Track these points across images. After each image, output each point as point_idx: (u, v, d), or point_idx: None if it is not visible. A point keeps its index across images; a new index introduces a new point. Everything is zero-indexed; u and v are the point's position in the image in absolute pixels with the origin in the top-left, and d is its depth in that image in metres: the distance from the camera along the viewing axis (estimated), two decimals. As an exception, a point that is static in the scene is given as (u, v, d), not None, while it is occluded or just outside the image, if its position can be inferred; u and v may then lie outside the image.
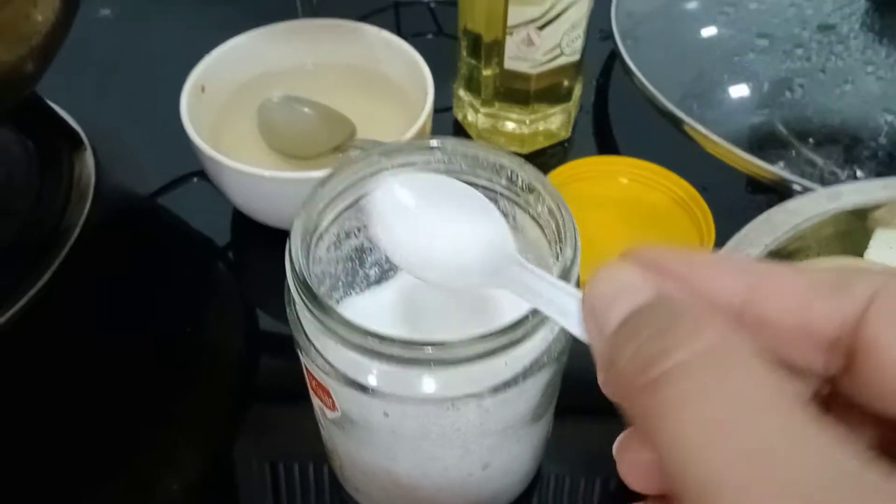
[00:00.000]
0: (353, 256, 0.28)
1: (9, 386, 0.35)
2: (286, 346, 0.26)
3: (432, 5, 0.54)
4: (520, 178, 0.25)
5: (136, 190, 0.44)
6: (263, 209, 0.38)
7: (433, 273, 0.20)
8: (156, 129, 0.42)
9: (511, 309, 0.21)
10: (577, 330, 0.16)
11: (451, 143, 0.25)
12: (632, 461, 0.16)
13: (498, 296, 0.27)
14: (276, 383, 0.36)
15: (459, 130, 0.46)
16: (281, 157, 0.40)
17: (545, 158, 0.44)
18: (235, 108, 0.41)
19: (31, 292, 0.35)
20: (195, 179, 0.43)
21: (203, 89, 0.39)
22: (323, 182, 0.24)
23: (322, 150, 0.40)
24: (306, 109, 0.41)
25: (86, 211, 0.39)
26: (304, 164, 0.40)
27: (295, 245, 0.22)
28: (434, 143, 0.25)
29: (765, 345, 0.14)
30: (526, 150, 0.44)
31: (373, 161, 0.24)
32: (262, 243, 0.40)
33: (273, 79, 0.42)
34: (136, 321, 0.38)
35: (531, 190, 0.24)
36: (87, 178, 0.41)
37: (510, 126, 0.44)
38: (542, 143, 0.45)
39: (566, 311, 0.17)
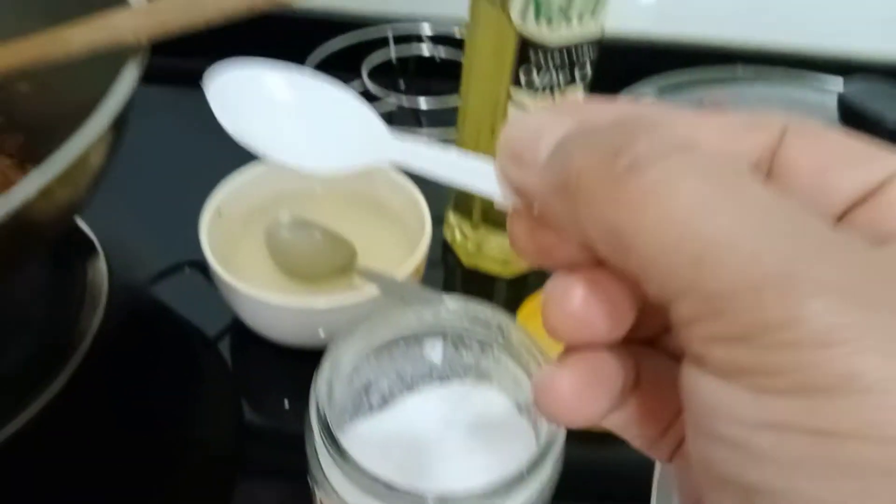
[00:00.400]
0: (361, 389, 0.31)
1: (17, 489, 0.37)
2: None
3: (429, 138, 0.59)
4: (507, 329, 0.29)
5: (144, 290, 0.46)
6: (269, 327, 0.41)
7: (309, 158, 0.18)
8: (162, 232, 0.45)
9: (508, 434, 0.24)
10: (484, 184, 0.16)
11: (455, 303, 0.29)
12: (565, 305, 0.14)
13: (496, 421, 0.30)
14: (267, 478, 0.38)
15: (447, 250, 0.50)
16: (287, 277, 0.44)
17: (528, 282, 0.49)
18: (247, 229, 0.45)
19: (44, 400, 0.38)
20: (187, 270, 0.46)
21: (220, 213, 0.42)
22: (346, 337, 0.28)
23: (325, 272, 0.43)
24: (312, 232, 0.45)
25: (99, 317, 0.42)
26: (309, 284, 0.44)
27: (321, 392, 0.26)
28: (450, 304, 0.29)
29: None
30: (509, 273, 0.49)
31: (392, 320, 0.28)
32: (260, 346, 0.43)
33: (283, 201, 0.46)
34: (140, 420, 0.40)
35: (510, 338, 0.28)
36: (99, 284, 0.44)
37: (495, 250, 0.48)
38: (524, 269, 0.49)
39: (467, 169, 0.16)
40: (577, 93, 0.41)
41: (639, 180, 0.12)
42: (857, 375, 0.10)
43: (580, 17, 0.37)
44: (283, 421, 0.41)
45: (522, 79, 0.39)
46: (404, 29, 0.63)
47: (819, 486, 0.11)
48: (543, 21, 0.37)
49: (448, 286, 0.49)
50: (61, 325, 0.41)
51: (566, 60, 0.39)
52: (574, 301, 0.14)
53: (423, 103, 0.58)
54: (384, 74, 0.62)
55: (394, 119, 0.60)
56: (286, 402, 0.42)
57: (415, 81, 0.62)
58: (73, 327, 0.41)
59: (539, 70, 0.39)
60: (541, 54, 0.38)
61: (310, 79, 0.19)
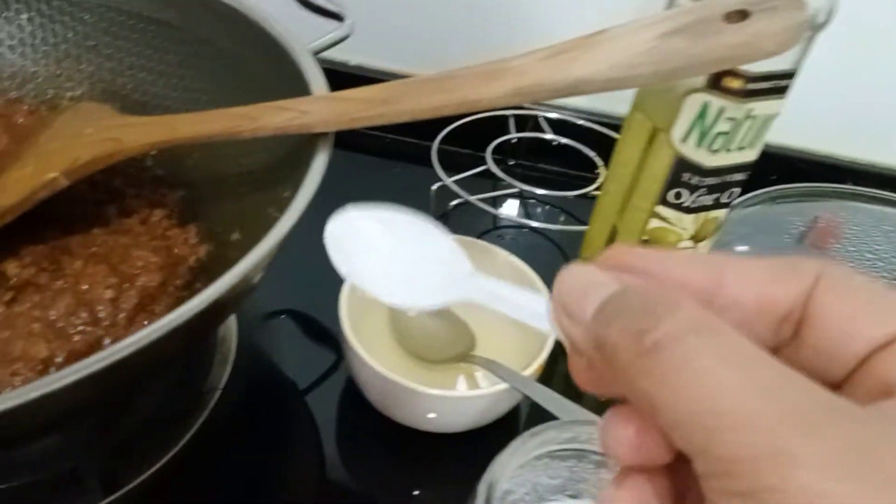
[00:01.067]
0: (500, 497, 0.32)
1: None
2: None
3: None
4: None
5: (271, 356, 0.48)
6: (383, 402, 0.42)
7: (401, 296, 0.21)
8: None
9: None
10: (546, 325, 0.18)
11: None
12: (620, 435, 0.17)
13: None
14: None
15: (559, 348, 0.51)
16: (405, 352, 0.45)
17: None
18: (373, 304, 0.46)
19: (172, 453, 0.39)
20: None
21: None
22: (505, 457, 0.28)
23: (443, 358, 0.44)
24: (435, 315, 0.45)
25: (227, 373, 0.43)
26: (427, 366, 0.44)
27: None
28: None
29: (732, 321, 0.16)
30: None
31: (546, 438, 0.29)
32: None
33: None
34: (250, 475, 0.41)
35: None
36: (229, 341, 0.45)
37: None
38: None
39: (533, 312, 0.19)
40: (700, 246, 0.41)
41: (660, 358, 0.15)
42: None
43: (740, 147, 0.38)
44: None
45: (671, 196, 0.40)
46: (527, 112, 0.64)
47: None
48: (704, 148, 0.37)
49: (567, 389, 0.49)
50: (196, 376, 0.43)
51: (718, 184, 0.39)
52: (629, 430, 0.17)
53: (539, 190, 0.59)
54: (507, 153, 0.63)
55: (510, 199, 0.61)
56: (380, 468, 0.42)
57: (534, 162, 0.64)
58: (205, 379, 0.43)
59: (690, 191, 0.39)
60: (695, 177, 0.39)
61: (408, 220, 0.22)
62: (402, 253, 0.21)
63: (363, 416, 0.44)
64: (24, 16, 0.47)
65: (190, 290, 0.38)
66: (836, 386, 0.17)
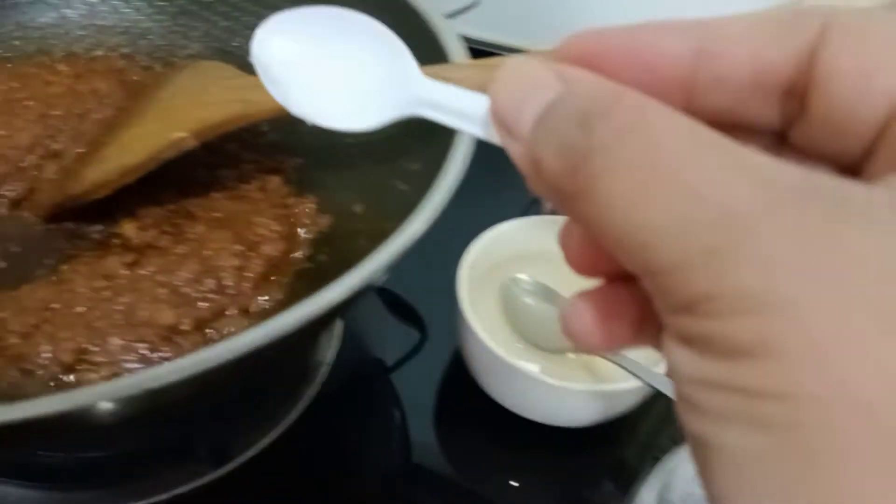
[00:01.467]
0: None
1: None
2: None
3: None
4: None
5: (361, 334, 0.46)
6: (505, 391, 0.40)
7: (338, 117, 0.18)
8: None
9: None
10: (494, 138, 0.15)
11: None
12: (573, 246, 0.16)
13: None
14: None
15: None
16: (520, 339, 0.43)
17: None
18: (484, 285, 0.44)
19: (281, 428, 0.38)
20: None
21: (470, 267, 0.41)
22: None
23: (562, 347, 0.42)
24: (551, 301, 0.43)
25: (335, 349, 0.42)
26: (542, 354, 0.42)
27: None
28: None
29: (722, 105, 0.14)
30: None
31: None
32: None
33: (521, 262, 0.45)
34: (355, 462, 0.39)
35: None
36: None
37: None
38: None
39: (478, 120, 0.16)
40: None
41: (589, 174, 0.13)
42: (767, 341, 0.11)
43: None
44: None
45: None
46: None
47: (740, 437, 0.12)
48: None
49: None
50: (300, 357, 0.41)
51: None
52: (577, 240, 0.16)
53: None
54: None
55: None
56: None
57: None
58: (313, 354, 0.41)
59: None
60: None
61: (339, 18, 0.18)
62: (336, 63, 0.18)
63: (462, 399, 0.42)
64: (141, -31, 0.45)
65: (313, 261, 0.36)
66: (856, 170, 0.14)
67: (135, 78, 0.44)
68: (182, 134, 0.35)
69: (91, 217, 0.38)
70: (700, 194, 0.12)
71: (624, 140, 0.13)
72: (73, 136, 0.40)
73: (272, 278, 0.35)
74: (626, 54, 0.15)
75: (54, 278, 0.33)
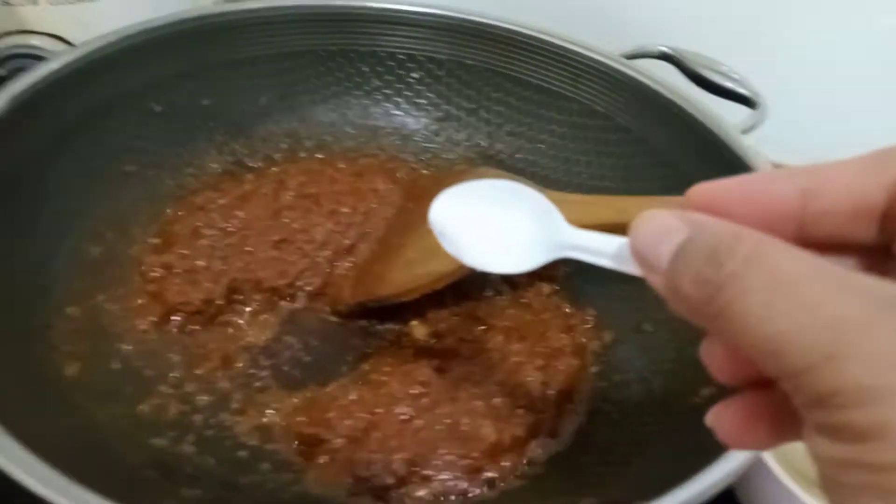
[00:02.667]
0: None
1: None
2: None
3: None
4: None
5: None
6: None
7: (501, 262, 0.22)
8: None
9: None
10: (626, 269, 0.19)
11: None
12: (715, 358, 0.19)
13: None
14: None
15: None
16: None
17: None
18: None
19: None
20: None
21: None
22: None
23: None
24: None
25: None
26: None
27: None
28: None
29: (830, 231, 0.17)
30: None
31: None
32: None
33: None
34: None
35: None
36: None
37: None
38: None
39: (613, 257, 0.19)
40: None
41: (724, 301, 0.15)
42: (884, 425, 0.14)
43: None
44: None
45: None
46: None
47: None
48: None
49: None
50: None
51: None
52: (719, 350, 0.19)
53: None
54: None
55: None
56: None
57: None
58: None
59: None
60: None
61: (495, 185, 0.23)
62: (495, 220, 0.22)
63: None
64: (415, 75, 0.48)
65: (607, 380, 0.36)
66: None
67: (400, 176, 0.46)
68: (490, 244, 0.36)
69: (381, 315, 0.39)
70: (817, 308, 0.14)
71: (749, 270, 0.15)
72: (361, 233, 0.41)
73: (572, 397, 0.35)
74: (742, 199, 0.18)
75: (368, 378, 0.34)
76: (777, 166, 0.53)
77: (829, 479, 0.15)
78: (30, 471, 0.22)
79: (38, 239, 0.34)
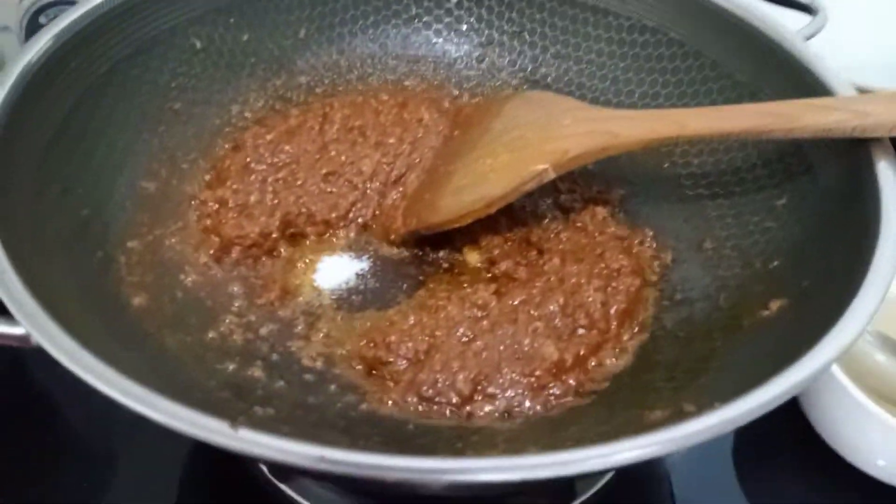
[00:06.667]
0: None
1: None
2: None
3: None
4: None
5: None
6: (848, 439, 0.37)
7: None
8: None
9: None
10: None
11: None
12: None
13: None
14: None
15: None
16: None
17: None
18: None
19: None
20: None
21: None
22: None
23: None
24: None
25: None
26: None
27: None
28: None
29: None
30: None
31: None
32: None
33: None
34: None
35: None
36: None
37: None
38: None
39: None
40: None
41: None
42: None
43: None
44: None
45: None
46: None
47: None
48: None
49: None
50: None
51: None
52: None
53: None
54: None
55: None
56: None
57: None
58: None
59: None
60: None
61: None
62: None
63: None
64: (453, 0, 0.46)
65: (669, 298, 0.35)
66: None
67: (446, 106, 0.45)
68: (543, 166, 0.35)
69: (433, 243, 0.39)
70: None
71: None
72: (409, 164, 0.41)
73: (634, 315, 0.34)
74: None
75: (426, 303, 0.34)
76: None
77: None
78: (126, 391, 0.22)
79: (95, 175, 0.34)
